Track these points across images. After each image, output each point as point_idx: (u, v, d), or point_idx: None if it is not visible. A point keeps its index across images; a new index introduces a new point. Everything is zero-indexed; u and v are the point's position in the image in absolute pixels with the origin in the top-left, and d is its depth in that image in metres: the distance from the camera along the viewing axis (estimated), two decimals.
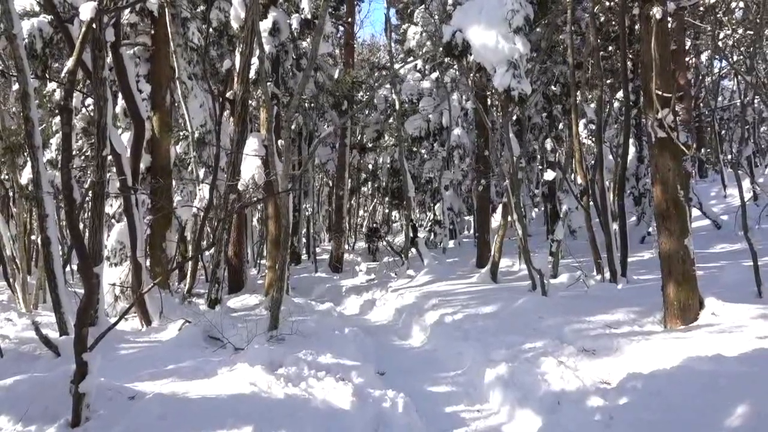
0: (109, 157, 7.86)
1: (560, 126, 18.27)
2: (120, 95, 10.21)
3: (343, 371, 5.66)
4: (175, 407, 4.46)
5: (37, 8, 10.92)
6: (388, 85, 19.07)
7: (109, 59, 8.26)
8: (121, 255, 10.75)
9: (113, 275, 10.49)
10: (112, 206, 11.66)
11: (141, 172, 10.80)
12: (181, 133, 15.39)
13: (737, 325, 5.82)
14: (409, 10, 20.11)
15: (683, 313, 6.43)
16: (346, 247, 24.67)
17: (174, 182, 13.33)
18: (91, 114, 8.76)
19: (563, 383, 5.20)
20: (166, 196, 11.46)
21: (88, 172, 14.22)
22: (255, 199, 11.93)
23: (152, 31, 11.85)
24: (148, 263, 10.98)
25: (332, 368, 5.72)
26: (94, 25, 5.76)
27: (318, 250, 25.19)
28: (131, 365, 6.24)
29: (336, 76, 18.39)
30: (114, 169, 9.16)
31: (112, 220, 11.80)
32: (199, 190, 12.84)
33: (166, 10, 11.54)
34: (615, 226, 11.57)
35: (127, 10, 11.07)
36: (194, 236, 12.44)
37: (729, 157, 22.95)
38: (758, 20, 10.29)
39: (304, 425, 4.45)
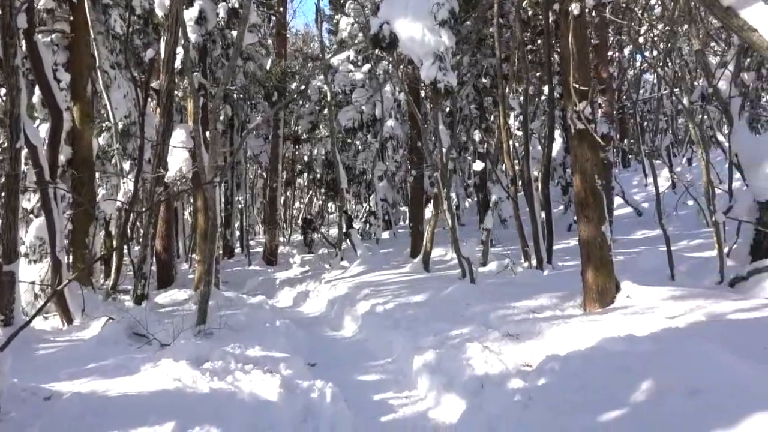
0: (25, 150, 7.51)
1: (491, 118, 18.65)
2: (36, 84, 9.75)
3: (271, 363, 5.64)
4: (94, 406, 4.34)
5: None
6: (321, 76, 18.96)
7: (22, 47, 7.89)
8: (41, 251, 10.30)
9: (33, 272, 10.03)
10: (30, 201, 11.13)
11: (61, 164, 10.39)
12: (104, 125, 14.83)
13: (649, 306, 6.13)
14: (341, 1, 20.02)
15: (601, 297, 6.72)
16: (281, 239, 24.47)
17: (97, 175, 12.86)
18: (5, 104, 8.36)
19: (487, 367, 5.35)
20: (88, 190, 11.06)
21: (2, 165, 13.53)
22: (181, 191, 11.64)
23: (71, 18, 11.36)
24: (70, 259, 10.61)
25: (260, 361, 5.69)
26: (2, 11, 5.48)
27: (252, 243, 24.87)
28: (50, 365, 6.01)
29: (268, 66, 18.13)
30: (30, 162, 8.75)
31: (31, 215, 11.26)
32: (124, 183, 12.44)
33: None
34: (542, 215, 11.94)
35: None
36: (119, 230, 12.05)
37: (649, 147, 23.98)
38: (673, 17, 10.77)
39: (230, 419, 4.42)
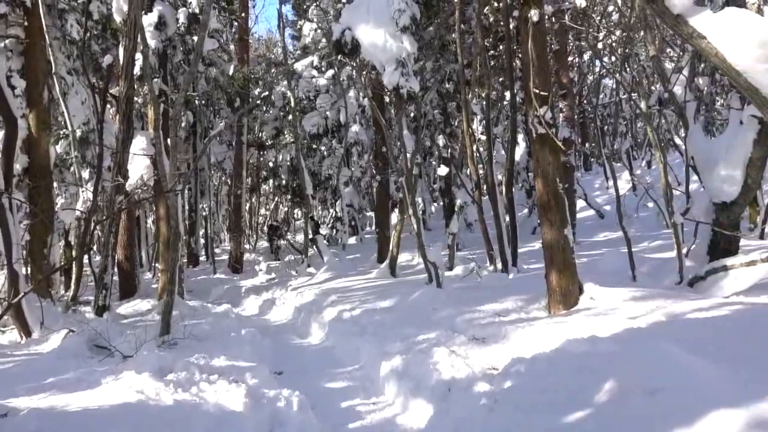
0: None
1: (455, 123, 18.81)
2: None
3: (236, 373, 5.57)
4: (53, 422, 4.22)
5: None
6: (285, 82, 18.87)
7: None
8: None
9: None
10: None
11: (17, 173, 10.12)
12: (62, 132, 14.50)
13: (612, 307, 6.23)
14: (303, 7, 19.97)
15: (564, 299, 6.81)
16: (247, 246, 24.23)
17: (55, 184, 12.56)
18: None
19: (454, 371, 5.37)
20: (46, 199, 10.78)
21: None
22: (142, 199, 11.44)
23: (25, 23, 11.08)
24: (28, 271, 10.32)
25: (225, 371, 5.61)
26: None
27: (217, 250, 24.58)
28: (6, 380, 5.83)
29: (230, 72, 17.96)
30: None
31: None
32: (83, 192, 12.16)
33: (40, 0, 10.82)
34: (507, 219, 12.07)
35: None
36: (78, 240, 11.78)
37: (610, 150, 24.49)
38: (630, 23, 11.03)
39: (195, 430, 4.35)
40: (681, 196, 11.80)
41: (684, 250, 8.59)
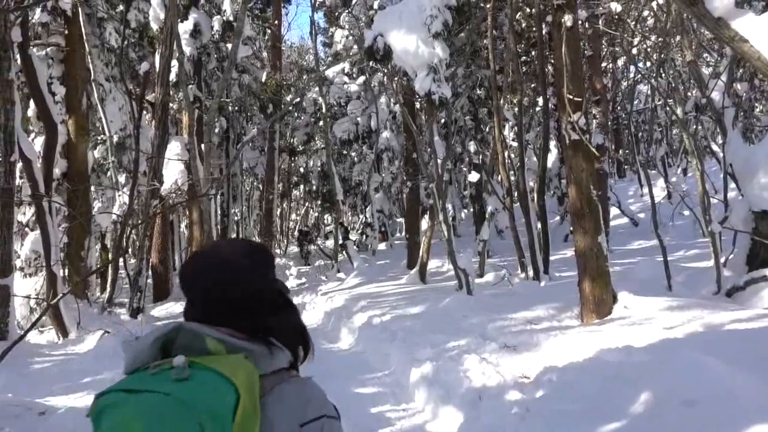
0: (20, 164, 7.51)
1: (486, 129, 18.71)
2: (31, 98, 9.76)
3: None
4: (88, 422, 4.30)
5: None
6: (316, 88, 19.02)
7: (17, 60, 7.90)
8: (36, 265, 10.25)
9: (28, 286, 9.98)
10: (26, 214, 11.09)
11: (56, 178, 10.38)
12: (99, 138, 14.84)
13: (647, 317, 6.11)
14: (335, 14, 20.12)
15: (598, 308, 6.71)
16: (278, 251, 24.42)
17: (92, 188, 12.84)
18: None
19: (485, 379, 5.33)
20: (83, 203, 11.04)
21: None
22: (177, 204, 11.63)
23: (66, 31, 11.38)
24: (65, 273, 10.56)
25: None
26: None
27: None
28: (45, 380, 5.97)
29: (263, 78, 18.19)
30: (25, 176, 8.74)
31: (26, 229, 11.22)
32: (119, 196, 12.42)
33: (80, 9, 11.11)
34: (539, 226, 11.94)
35: (37, 9, 10.59)
36: (114, 243, 12.02)
37: (644, 157, 24.09)
38: (666, 28, 10.85)
39: None
40: (719, 205, 11.53)
41: (722, 260, 8.39)
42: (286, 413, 1.15)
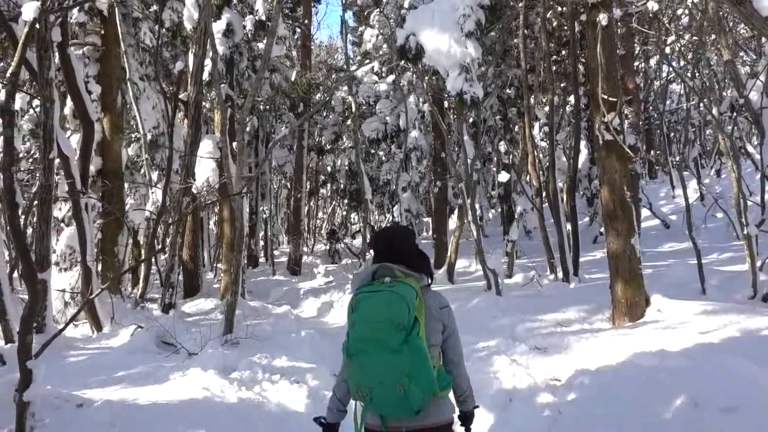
0: (57, 160, 7.66)
1: (515, 128, 18.58)
2: (68, 96, 9.95)
3: (298, 374, 5.66)
4: (124, 414, 4.39)
5: None
6: (345, 87, 19.07)
7: (56, 59, 8.07)
8: (71, 260, 10.46)
9: (63, 281, 10.20)
10: (62, 210, 11.33)
11: (91, 175, 10.56)
12: (133, 135, 15.08)
13: (681, 321, 6.02)
14: (365, 13, 20.15)
15: (630, 311, 6.63)
16: (305, 249, 24.56)
17: (126, 185, 13.06)
18: (38, 115, 8.52)
19: (515, 381, 5.31)
20: (117, 200, 11.23)
21: (36, 175, 13.81)
22: (209, 201, 11.76)
23: (102, 31, 11.58)
24: (99, 268, 10.76)
25: (287, 371, 5.71)
26: (38, 25, 5.62)
27: (276, 252, 24.99)
28: (80, 372, 6.09)
29: (293, 78, 18.29)
30: (63, 172, 8.92)
31: (62, 224, 11.47)
32: (152, 193, 12.61)
33: (116, 9, 11.30)
34: (568, 227, 11.83)
35: (75, 9, 10.80)
36: (147, 240, 12.21)
37: (677, 158, 23.69)
38: (701, 27, 10.64)
39: (258, 428, 4.44)
40: (755, 207, 11.28)
41: (758, 263, 8.20)
42: (432, 302, 2.50)
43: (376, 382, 2.32)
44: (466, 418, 2.67)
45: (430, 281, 2.63)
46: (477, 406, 2.76)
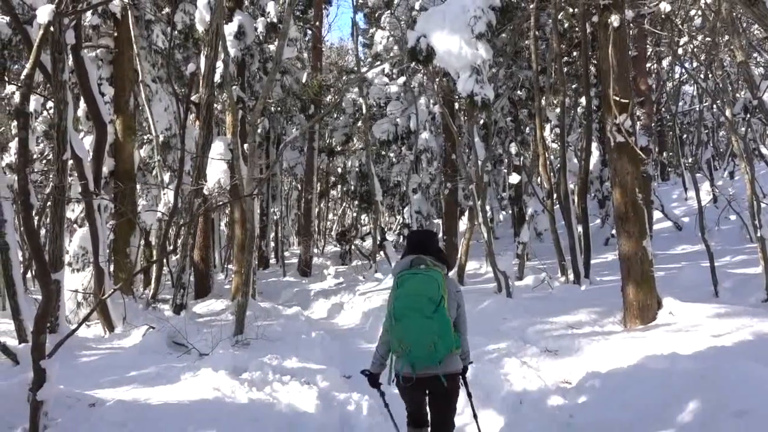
0: (70, 162, 7.73)
1: (526, 130, 18.53)
2: (82, 98, 10.04)
3: (308, 375, 5.67)
4: (136, 414, 4.42)
5: None
6: (356, 89, 19.09)
7: (70, 62, 8.13)
8: (84, 260, 10.54)
9: (76, 281, 10.27)
10: (74, 211, 11.42)
11: (104, 176, 10.64)
12: (146, 137, 15.18)
13: (693, 324, 5.98)
14: (376, 15, 20.16)
15: (642, 313, 6.59)
16: (315, 250, 24.60)
17: (138, 186, 13.14)
18: (52, 117, 8.61)
19: (525, 383, 5.29)
20: (129, 201, 11.30)
21: (50, 176, 13.93)
22: (220, 203, 11.82)
23: (115, 34, 11.67)
24: (111, 269, 10.84)
25: (297, 372, 5.72)
26: (52, 28, 5.67)
27: (287, 254, 25.05)
28: (93, 372, 6.14)
29: (304, 79, 18.34)
30: (76, 174, 8.99)
31: (75, 225, 11.56)
32: (164, 194, 12.68)
33: (129, 12, 11.39)
34: (579, 229, 11.78)
35: (88, 12, 10.89)
36: (159, 241, 12.28)
37: (690, 160, 23.51)
38: (715, 28, 10.57)
39: (268, 429, 4.45)
40: None
41: None
42: (451, 286, 3.49)
43: (414, 339, 3.32)
44: (465, 370, 3.71)
45: (447, 270, 3.64)
46: (472, 362, 3.99)
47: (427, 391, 3.55)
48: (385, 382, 3.70)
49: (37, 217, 13.13)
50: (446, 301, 3.32)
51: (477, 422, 3.95)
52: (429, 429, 3.73)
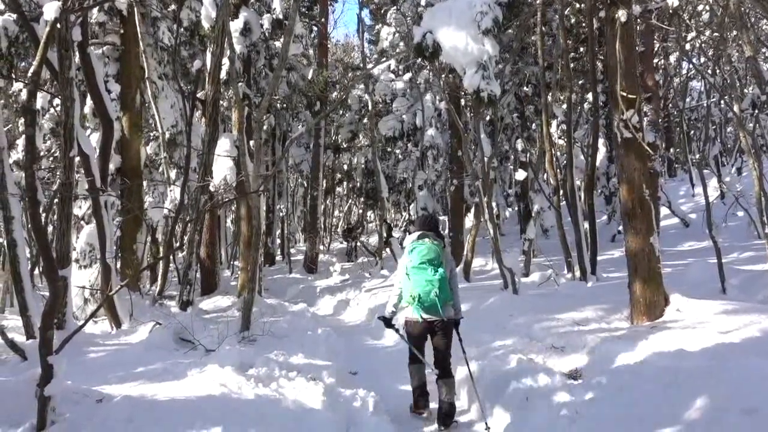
0: (77, 158, 7.75)
1: (533, 126, 18.47)
2: (88, 95, 10.06)
3: (314, 371, 5.67)
4: (143, 409, 4.43)
5: (1, 6, 10.71)
6: (362, 86, 19.08)
7: (76, 59, 8.15)
8: (91, 257, 10.58)
9: (83, 277, 10.32)
10: (81, 208, 11.46)
11: (111, 173, 10.67)
12: (152, 134, 15.21)
13: (700, 321, 5.95)
14: (382, 11, 20.12)
15: (649, 310, 6.56)
16: (321, 247, 24.64)
17: (145, 183, 13.18)
18: (59, 114, 8.60)
19: (532, 380, 5.27)
20: (136, 198, 11.33)
21: (57, 173, 13.99)
22: (226, 200, 11.84)
23: (121, 31, 11.70)
24: (118, 265, 10.88)
25: (304, 368, 5.72)
26: (58, 25, 5.68)
27: (293, 250, 25.11)
28: (100, 368, 6.16)
29: (309, 76, 18.34)
30: (83, 171, 9.01)
31: (82, 222, 11.61)
32: (171, 191, 12.71)
33: (135, 9, 11.40)
34: (586, 225, 11.74)
35: (95, 9, 10.91)
36: (165, 238, 12.32)
37: (697, 156, 23.39)
38: (723, 23, 10.50)
39: (274, 425, 4.45)
40: None
41: None
42: (447, 256, 5.25)
43: (423, 291, 4.94)
44: (457, 323, 5.23)
45: (444, 244, 5.26)
46: (462, 317, 5.36)
47: (429, 332, 5.13)
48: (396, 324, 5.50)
49: (44, 214, 13.19)
50: (444, 264, 5.02)
51: (466, 358, 5.33)
52: (433, 362, 5.26)
